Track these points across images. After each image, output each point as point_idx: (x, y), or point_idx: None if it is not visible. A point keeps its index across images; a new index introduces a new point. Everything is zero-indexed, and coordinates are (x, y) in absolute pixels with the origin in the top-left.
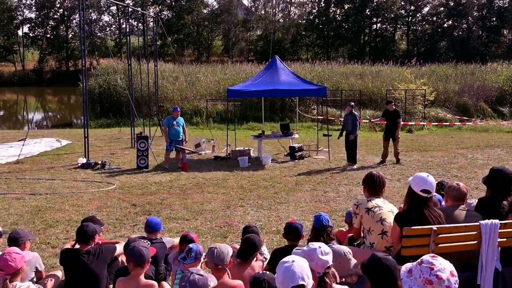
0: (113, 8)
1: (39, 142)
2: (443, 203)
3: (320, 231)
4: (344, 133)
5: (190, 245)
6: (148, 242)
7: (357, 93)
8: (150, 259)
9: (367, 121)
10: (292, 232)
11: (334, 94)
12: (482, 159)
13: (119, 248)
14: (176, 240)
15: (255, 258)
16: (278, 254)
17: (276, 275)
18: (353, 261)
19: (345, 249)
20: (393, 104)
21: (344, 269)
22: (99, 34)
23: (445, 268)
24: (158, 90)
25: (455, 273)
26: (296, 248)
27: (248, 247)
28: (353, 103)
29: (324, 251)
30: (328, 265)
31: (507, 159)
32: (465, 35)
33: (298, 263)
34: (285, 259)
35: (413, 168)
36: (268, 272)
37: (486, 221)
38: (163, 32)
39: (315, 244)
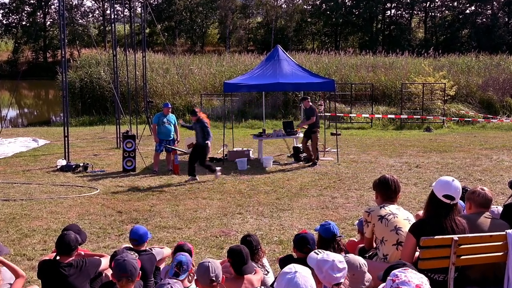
0: None
1: (13, 142)
2: (464, 210)
3: (330, 242)
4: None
5: (179, 258)
6: (136, 254)
7: (369, 87)
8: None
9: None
10: (309, 243)
11: (343, 88)
12: (508, 161)
13: (105, 262)
14: (167, 251)
15: (253, 271)
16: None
17: (276, 284)
18: (368, 275)
19: (361, 260)
20: (308, 100)
21: (358, 282)
22: (80, 21)
23: (410, 281)
24: (147, 84)
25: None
26: (316, 251)
27: (236, 259)
28: (198, 109)
29: (337, 266)
30: (337, 282)
31: None
32: (490, 22)
33: (301, 273)
34: (286, 269)
35: (431, 171)
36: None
37: None
38: (152, 19)
39: (330, 256)
